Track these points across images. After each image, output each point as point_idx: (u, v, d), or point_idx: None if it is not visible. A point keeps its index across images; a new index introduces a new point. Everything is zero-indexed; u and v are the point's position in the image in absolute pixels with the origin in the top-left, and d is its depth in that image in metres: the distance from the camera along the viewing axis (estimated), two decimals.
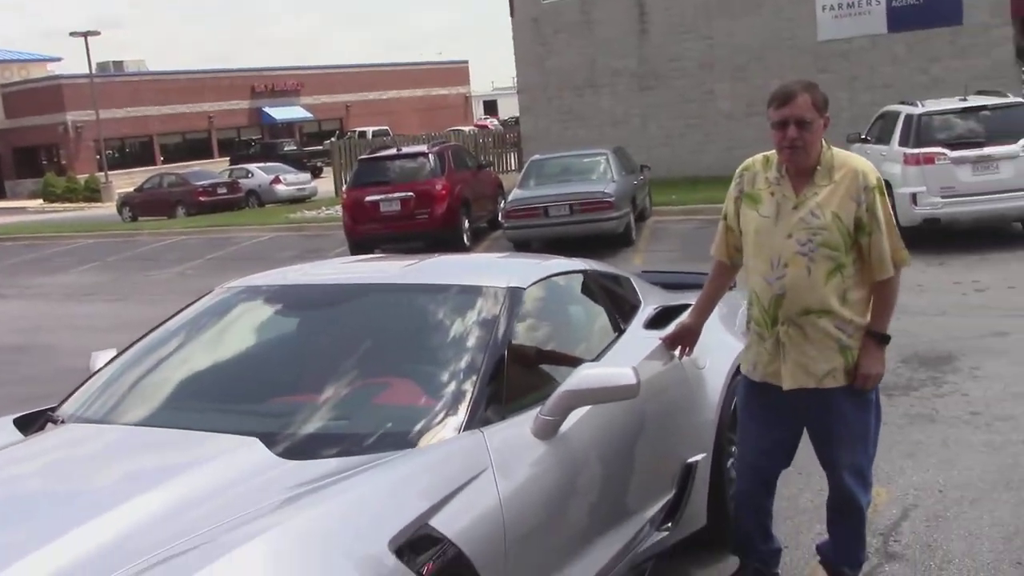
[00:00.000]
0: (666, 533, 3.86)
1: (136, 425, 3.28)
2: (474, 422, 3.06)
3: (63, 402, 3.65)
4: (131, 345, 3.93)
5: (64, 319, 13.16)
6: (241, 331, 3.95)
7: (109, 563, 2.30)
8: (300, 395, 3.36)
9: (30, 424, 3.51)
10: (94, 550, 2.36)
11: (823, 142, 3.55)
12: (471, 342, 3.39)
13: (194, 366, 3.72)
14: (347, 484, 2.66)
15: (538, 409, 3.17)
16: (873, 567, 4.08)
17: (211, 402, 3.47)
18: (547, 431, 3.14)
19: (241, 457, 2.86)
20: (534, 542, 2.97)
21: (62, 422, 3.44)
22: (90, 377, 3.80)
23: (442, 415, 3.10)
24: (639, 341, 4.07)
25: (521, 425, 3.14)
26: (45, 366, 9.57)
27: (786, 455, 3.82)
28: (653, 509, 3.80)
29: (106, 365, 3.83)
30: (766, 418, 3.73)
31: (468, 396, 3.15)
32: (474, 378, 3.20)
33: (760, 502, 3.87)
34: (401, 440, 2.98)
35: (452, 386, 3.22)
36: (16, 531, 2.51)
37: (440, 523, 2.61)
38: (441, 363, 3.37)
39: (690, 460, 4.00)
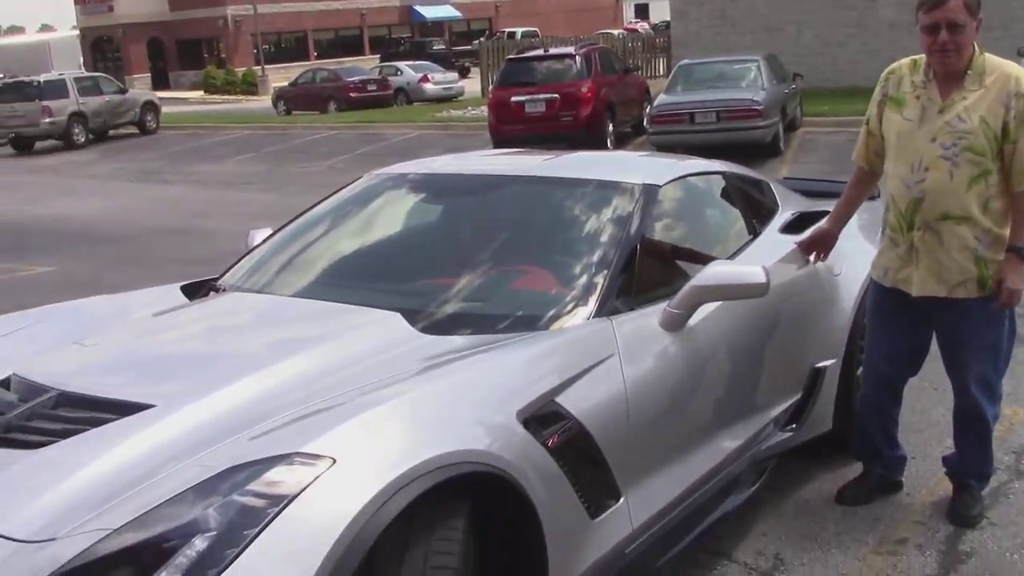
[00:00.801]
0: (790, 434, 3.91)
1: (289, 296, 3.52)
2: (603, 311, 3.16)
3: (224, 273, 3.94)
4: (286, 224, 4.17)
5: (222, 205, 13.82)
6: (387, 216, 4.12)
7: (256, 414, 2.51)
8: (440, 278, 3.51)
9: (195, 291, 3.82)
10: (246, 403, 2.57)
11: (975, 46, 3.42)
12: (604, 236, 3.47)
13: (343, 247, 3.92)
14: (481, 357, 2.82)
15: (667, 303, 3.25)
16: (1002, 483, 4.04)
17: (357, 280, 3.66)
18: (674, 324, 3.22)
19: (383, 329, 3.04)
20: (656, 428, 3.08)
21: (223, 290, 3.73)
22: (249, 252, 4.07)
23: (573, 303, 3.20)
24: (774, 244, 4.06)
25: (649, 316, 3.22)
26: (205, 247, 10.15)
27: (913, 363, 3.81)
28: (778, 409, 3.85)
29: (263, 242, 4.09)
30: (895, 324, 3.71)
31: (599, 287, 3.24)
32: (606, 271, 3.29)
33: (885, 408, 3.88)
34: (533, 323, 3.11)
35: (584, 277, 3.31)
36: (182, 382, 2.75)
37: (566, 400, 2.74)
38: (575, 254, 3.47)
39: (819, 365, 4.02)
